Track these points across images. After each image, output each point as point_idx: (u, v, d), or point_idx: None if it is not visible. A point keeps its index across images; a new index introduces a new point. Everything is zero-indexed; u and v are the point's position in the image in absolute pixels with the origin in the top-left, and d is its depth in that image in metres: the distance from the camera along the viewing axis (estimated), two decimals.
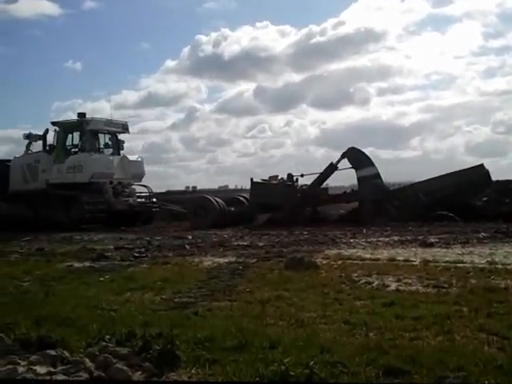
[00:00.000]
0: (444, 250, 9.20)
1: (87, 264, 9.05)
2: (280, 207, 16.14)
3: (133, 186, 19.86)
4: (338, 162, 16.55)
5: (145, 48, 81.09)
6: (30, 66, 77.91)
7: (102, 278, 7.46)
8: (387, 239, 10.91)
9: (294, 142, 70.90)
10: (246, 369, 3.53)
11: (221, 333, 4.33)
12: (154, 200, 19.96)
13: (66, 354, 3.70)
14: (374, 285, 6.32)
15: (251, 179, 17.46)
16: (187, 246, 10.58)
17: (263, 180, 17.64)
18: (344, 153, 16.33)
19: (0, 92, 72.87)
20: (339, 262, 7.91)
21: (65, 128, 19.48)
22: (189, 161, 73.53)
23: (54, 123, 19.62)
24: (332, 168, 16.59)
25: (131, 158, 19.97)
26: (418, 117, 78.59)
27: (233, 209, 17.45)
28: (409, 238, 10.89)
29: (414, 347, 3.95)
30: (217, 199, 17.26)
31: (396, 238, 10.92)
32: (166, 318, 5.04)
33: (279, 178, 17.65)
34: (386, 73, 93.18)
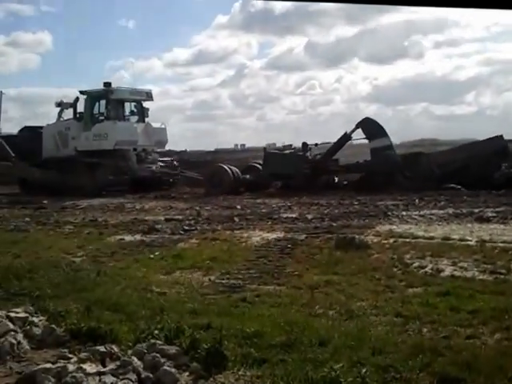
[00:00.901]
0: (502, 226, 8.82)
1: (138, 237, 9.16)
2: (291, 176, 16.53)
3: (155, 154, 20.30)
4: (353, 131, 16.70)
5: (196, 3, 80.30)
6: (83, 26, 78.68)
7: (152, 256, 7.52)
8: (441, 212, 10.55)
9: (344, 98, 69.61)
10: (294, 371, 3.46)
11: (269, 327, 4.27)
12: (177, 165, 20.29)
13: (115, 349, 3.72)
14: (427, 269, 6.12)
15: (264, 149, 18.57)
16: (236, 219, 10.54)
17: (276, 149, 18.35)
18: (358, 123, 16.47)
19: (54, 52, 74.07)
20: (391, 241, 7.70)
21: (92, 97, 19.96)
22: (238, 118, 73.39)
23: (81, 92, 20.08)
24: (346, 138, 16.82)
25: (155, 125, 20.34)
26: (476, 70, 75.71)
27: (248, 176, 17.77)
28: (464, 211, 10.48)
29: (470, 348, 3.79)
30: (231, 168, 17.58)
31: (451, 211, 10.53)
32: (213, 305, 5.03)
33: (293, 147, 18.09)
34: (442, 25, 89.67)
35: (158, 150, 20.75)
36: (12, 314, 4.44)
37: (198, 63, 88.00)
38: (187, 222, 10.53)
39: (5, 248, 8.54)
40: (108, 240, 9.00)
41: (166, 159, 20.55)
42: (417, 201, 12.36)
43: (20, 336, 4.11)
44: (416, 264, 6.33)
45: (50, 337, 4.18)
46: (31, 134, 21.25)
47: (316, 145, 17.99)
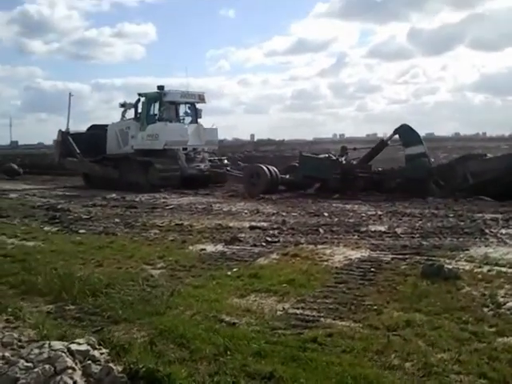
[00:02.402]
0: None
1: (220, 248, 9.06)
2: (323, 180, 17.21)
3: (205, 153, 21.64)
4: (390, 138, 17.19)
5: None
6: (186, 16, 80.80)
7: (229, 272, 7.36)
8: None
9: (449, 87, 66.72)
10: None
11: (334, 381, 3.93)
12: (225, 164, 21.43)
13: None
14: None
15: (300, 152, 19.46)
16: (321, 230, 10.17)
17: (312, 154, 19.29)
18: (396, 129, 16.67)
19: (158, 42, 76.50)
20: (485, 270, 7.02)
21: (148, 98, 21.46)
22: (337, 108, 72.37)
23: (139, 94, 21.65)
24: (383, 144, 17.28)
25: (206, 126, 21.92)
26: None
27: (287, 176, 18.31)
28: None
29: None
30: (270, 168, 18.13)
31: None
32: (281, 345, 4.75)
33: (332, 152, 19.11)
34: None
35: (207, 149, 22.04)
36: (73, 347, 4.38)
37: (297, 52, 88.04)
38: (271, 231, 10.30)
39: (90, 254, 8.75)
40: (189, 250, 8.96)
41: (216, 158, 21.82)
42: None
43: (78, 374, 4.05)
44: (510, 304, 5.69)
45: (108, 377, 4.08)
46: (97, 132, 23.26)
47: (354, 149, 18.74)
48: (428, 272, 6.69)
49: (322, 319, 5.47)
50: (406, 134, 16.47)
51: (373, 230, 10.19)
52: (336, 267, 7.46)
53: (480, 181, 14.58)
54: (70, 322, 5.66)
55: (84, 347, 4.48)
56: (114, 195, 17.81)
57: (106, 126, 23.20)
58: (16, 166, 30.86)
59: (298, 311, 5.75)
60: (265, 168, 18.06)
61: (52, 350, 4.38)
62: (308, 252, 8.40)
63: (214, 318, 5.52)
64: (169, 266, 7.88)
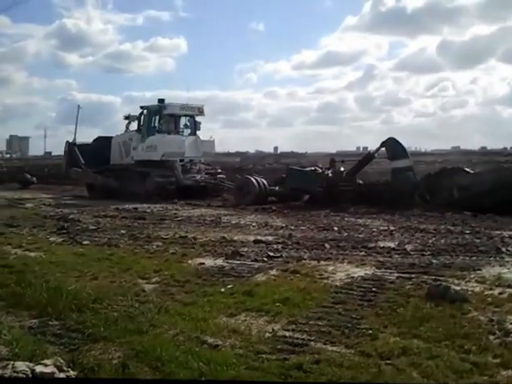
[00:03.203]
0: None
1: (219, 262, 8.73)
2: (308, 192, 17.67)
3: (202, 164, 22.21)
4: (377, 151, 17.37)
5: (326, 5, 79.72)
6: (216, 30, 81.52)
7: (223, 289, 7.01)
8: None
9: (478, 101, 65.63)
10: None
11: None
12: (223, 176, 21.91)
13: None
14: None
15: (287, 165, 20.71)
16: (327, 245, 9.76)
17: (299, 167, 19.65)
18: (383, 142, 16.84)
19: (188, 55, 77.07)
20: (496, 292, 6.53)
21: (149, 111, 22.05)
22: (362, 121, 71.83)
23: (141, 107, 22.34)
24: (370, 157, 17.55)
25: (203, 138, 22.65)
26: None
27: (277, 188, 18.71)
28: None
29: None
30: (258, 180, 18.65)
31: None
32: (263, 372, 4.39)
33: (319, 165, 19.00)
34: None
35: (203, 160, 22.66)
36: (37, 369, 4.09)
37: (325, 65, 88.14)
38: (275, 245, 9.93)
39: (88, 266, 8.50)
40: (188, 264, 8.64)
41: (212, 169, 22.38)
42: None
43: None
44: None
45: None
46: (102, 143, 23.89)
47: (342, 161, 18.90)
48: (433, 293, 6.24)
49: (311, 343, 5.09)
50: (392, 147, 16.67)
51: (381, 246, 9.73)
52: (336, 286, 7.04)
53: (466, 195, 14.52)
54: (49, 338, 5.39)
55: (50, 369, 4.17)
56: (126, 206, 17.65)
57: (111, 137, 24.03)
58: (29, 176, 31.33)
59: (287, 333, 5.37)
60: (253, 180, 18.60)
61: (15, 371, 4.10)
62: (309, 268, 8.00)
63: (196, 339, 5.18)
64: (163, 281, 7.57)
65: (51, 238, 11.47)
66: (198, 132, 22.82)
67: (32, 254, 9.69)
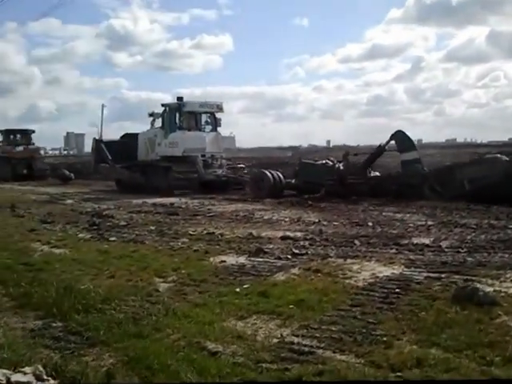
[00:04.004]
0: None
1: (241, 260, 8.39)
2: (320, 185, 17.45)
3: (223, 160, 22.79)
4: (387, 143, 17.35)
5: None
6: (260, 26, 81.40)
7: (238, 289, 6.67)
8: None
9: None
10: None
11: None
12: (245, 171, 22.59)
13: None
14: None
15: (299, 159, 20.99)
16: (357, 242, 9.28)
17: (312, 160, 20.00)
18: (392, 135, 17.01)
19: (234, 52, 77.30)
20: None
21: (170, 109, 22.72)
22: (414, 113, 70.16)
23: (163, 105, 23.13)
24: (380, 150, 17.53)
25: (224, 134, 23.25)
26: None
27: (293, 181, 18.83)
28: None
29: None
30: (273, 173, 18.88)
31: None
32: None
33: (331, 158, 19.14)
34: None
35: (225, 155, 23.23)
36: (13, 378, 3.86)
37: (371, 58, 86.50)
38: (302, 242, 9.50)
39: (107, 264, 8.32)
40: (209, 262, 8.33)
41: (233, 164, 23.28)
42: None
43: None
44: None
45: None
46: (129, 140, 24.62)
47: (355, 154, 18.99)
48: (460, 296, 5.70)
49: (319, 351, 4.67)
50: (400, 140, 16.89)
51: (415, 242, 9.16)
52: (357, 286, 6.57)
53: (477, 186, 14.31)
54: (47, 342, 5.17)
55: (27, 378, 3.94)
56: (164, 200, 17.63)
57: (137, 134, 24.62)
58: (67, 172, 32.11)
59: (296, 339, 4.97)
60: (268, 173, 18.88)
61: None
62: (333, 267, 7.54)
63: (197, 345, 4.85)
64: (179, 280, 7.28)
65: (80, 235, 11.40)
66: (218, 128, 23.35)
67: (57, 251, 9.61)
